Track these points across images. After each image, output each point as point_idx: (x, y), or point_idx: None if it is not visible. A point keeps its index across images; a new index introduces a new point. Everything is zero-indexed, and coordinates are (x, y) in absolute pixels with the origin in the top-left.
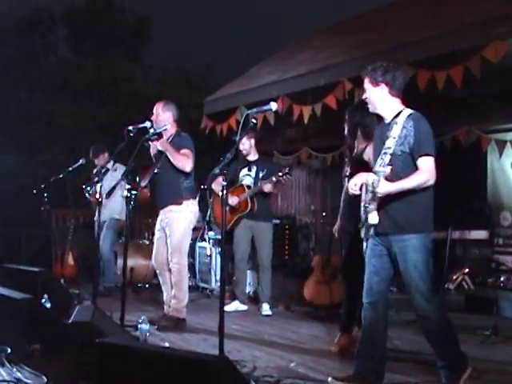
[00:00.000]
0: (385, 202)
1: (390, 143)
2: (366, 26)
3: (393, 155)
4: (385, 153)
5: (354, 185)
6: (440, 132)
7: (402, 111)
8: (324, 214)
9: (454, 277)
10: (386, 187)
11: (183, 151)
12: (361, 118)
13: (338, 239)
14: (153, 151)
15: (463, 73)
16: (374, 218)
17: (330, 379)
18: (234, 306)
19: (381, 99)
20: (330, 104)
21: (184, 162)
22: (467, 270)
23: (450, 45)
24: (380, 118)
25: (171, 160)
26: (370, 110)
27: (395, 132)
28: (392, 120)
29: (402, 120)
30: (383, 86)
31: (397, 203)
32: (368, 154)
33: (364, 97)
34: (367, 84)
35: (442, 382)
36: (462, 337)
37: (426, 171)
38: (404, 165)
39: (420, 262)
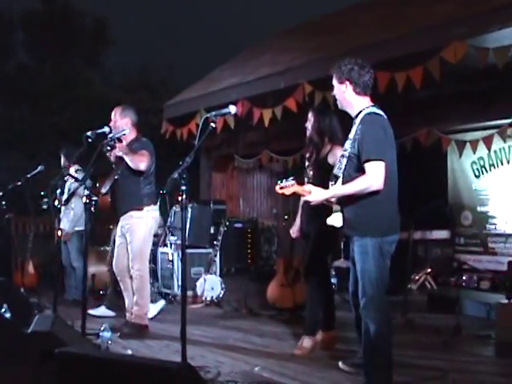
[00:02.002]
0: (343, 206)
1: (347, 145)
2: (326, 29)
3: (348, 158)
4: (342, 155)
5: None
6: (401, 133)
7: (362, 110)
8: (286, 217)
9: (417, 277)
10: (317, 195)
11: (140, 152)
12: (330, 120)
13: (300, 242)
14: (112, 157)
15: (423, 74)
16: (331, 219)
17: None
18: (100, 310)
19: (345, 97)
20: (290, 107)
21: (138, 160)
22: (429, 269)
23: (410, 46)
24: (344, 121)
25: (128, 162)
26: (339, 107)
27: (351, 133)
28: (354, 119)
29: (358, 120)
30: (347, 83)
31: (351, 207)
32: (331, 158)
33: (332, 94)
34: (334, 81)
35: None
36: (426, 336)
37: (368, 177)
38: (356, 167)
39: (369, 265)
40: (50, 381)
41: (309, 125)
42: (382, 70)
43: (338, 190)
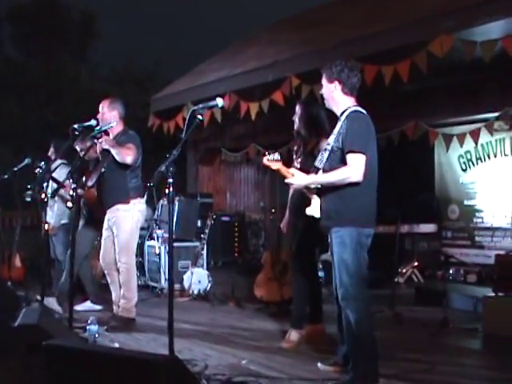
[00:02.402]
0: (321, 196)
1: (331, 139)
2: (313, 22)
3: (331, 151)
4: (325, 149)
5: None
6: (388, 126)
7: (347, 109)
8: (273, 210)
9: (404, 270)
10: (299, 179)
11: (127, 145)
12: (317, 113)
13: (288, 235)
14: (99, 150)
15: (410, 67)
16: (310, 209)
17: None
18: (86, 305)
19: (333, 96)
20: (277, 100)
21: (124, 153)
22: (416, 263)
23: (397, 39)
24: (334, 115)
25: (114, 155)
26: (326, 105)
27: (336, 129)
28: (339, 117)
29: (343, 117)
30: (336, 83)
31: (329, 197)
32: (320, 149)
33: (320, 92)
34: (323, 80)
35: (347, 378)
36: (413, 329)
37: (349, 167)
38: (340, 160)
39: (347, 255)
40: (37, 373)
41: (296, 118)
42: (369, 64)
43: (318, 177)
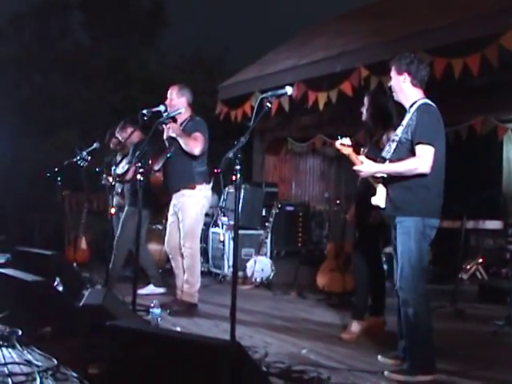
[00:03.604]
0: (388, 186)
1: (399, 131)
2: (381, 13)
3: (399, 142)
4: (393, 140)
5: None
6: (456, 121)
7: (417, 101)
8: (338, 201)
9: (468, 266)
10: (368, 167)
11: (194, 135)
12: (385, 105)
13: (352, 227)
14: (166, 135)
15: (480, 61)
16: (376, 199)
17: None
18: (149, 289)
19: (402, 88)
20: (345, 91)
21: (193, 145)
22: (481, 259)
23: (468, 32)
24: (402, 107)
25: (181, 144)
26: (394, 97)
27: (405, 120)
28: (408, 109)
29: (413, 109)
30: (406, 75)
31: (396, 187)
32: (385, 142)
33: (389, 84)
34: (393, 72)
35: (403, 367)
36: (475, 326)
37: (418, 158)
38: (408, 152)
39: (410, 245)
40: (100, 353)
41: (364, 109)
42: (438, 56)
43: (387, 166)
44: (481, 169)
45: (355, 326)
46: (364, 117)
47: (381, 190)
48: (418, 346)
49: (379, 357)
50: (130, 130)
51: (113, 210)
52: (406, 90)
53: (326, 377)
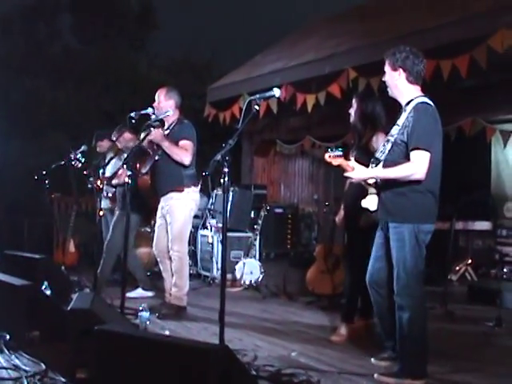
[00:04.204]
0: (381, 190)
1: (394, 131)
2: (370, 15)
3: (394, 143)
4: (388, 140)
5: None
6: (445, 122)
7: (413, 99)
8: (327, 203)
9: (457, 268)
10: (360, 173)
11: (182, 143)
12: (373, 107)
13: (342, 228)
14: (147, 141)
15: (469, 62)
16: (366, 202)
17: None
18: (137, 292)
19: (397, 84)
20: (333, 92)
21: (182, 155)
22: (470, 261)
23: (456, 34)
24: (393, 106)
25: (168, 153)
26: (389, 93)
27: (400, 120)
28: (404, 107)
29: (410, 108)
30: (401, 71)
31: (390, 192)
32: (374, 144)
33: (383, 79)
34: (387, 67)
35: (393, 370)
36: (465, 328)
37: (413, 164)
38: (402, 154)
39: (405, 252)
40: (88, 357)
41: (352, 111)
42: (427, 58)
43: (380, 171)
44: (469, 170)
45: (345, 329)
46: (352, 118)
47: (372, 193)
48: (411, 350)
49: (372, 359)
50: (126, 134)
51: (101, 213)
52: (400, 87)
53: (316, 380)
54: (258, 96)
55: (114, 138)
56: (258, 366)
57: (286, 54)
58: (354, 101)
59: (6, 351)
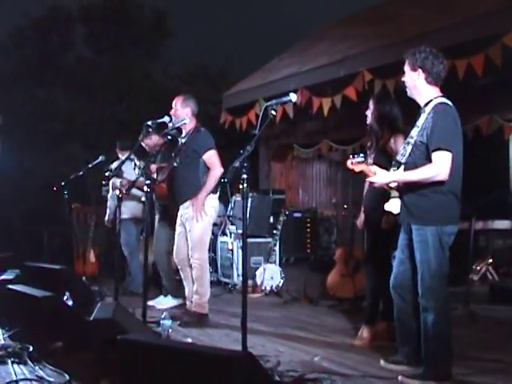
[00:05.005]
0: (403, 193)
1: (414, 132)
2: (382, 17)
3: (414, 145)
4: (408, 142)
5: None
6: (462, 121)
7: (432, 100)
8: (345, 206)
9: (478, 268)
10: (382, 177)
11: (207, 155)
12: (390, 108)
13: (361, 231)
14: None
15: (484, 61)
16: (389, 205)
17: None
18: (163, 302)
19: (416, 85)
20: (349, 95)
21: (216, 175)
22: (491, 260)
23: (471, 33)
24: (411, 107)
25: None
26: (408, 93)
27: (420, 121)
28: (423, 108)
29: (429, 109)
30: (420, 71)
31: (412, 195)
32: (392, 145)
33: (402, 79)
34: (406, 67)
35: (417, 372)
36: (487, 328)
37: (435, 166)
38: (423, 156)
39: (429, 254)
40: (111, 367)
41: (369, 113)
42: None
43: (402, 174)
44: (488, 169)
45: (367, 332)
46: (369, 120)
47: (395, 197)
48: (435, 352)
49: (381, 361)
50: (154, 136)
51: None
52: (420, 88)
53: None
54: (274, 101)
55: (142, 142)
56: (281, 372)
57: (299, 58)
58: (370, 103)
59: (30, 363)
